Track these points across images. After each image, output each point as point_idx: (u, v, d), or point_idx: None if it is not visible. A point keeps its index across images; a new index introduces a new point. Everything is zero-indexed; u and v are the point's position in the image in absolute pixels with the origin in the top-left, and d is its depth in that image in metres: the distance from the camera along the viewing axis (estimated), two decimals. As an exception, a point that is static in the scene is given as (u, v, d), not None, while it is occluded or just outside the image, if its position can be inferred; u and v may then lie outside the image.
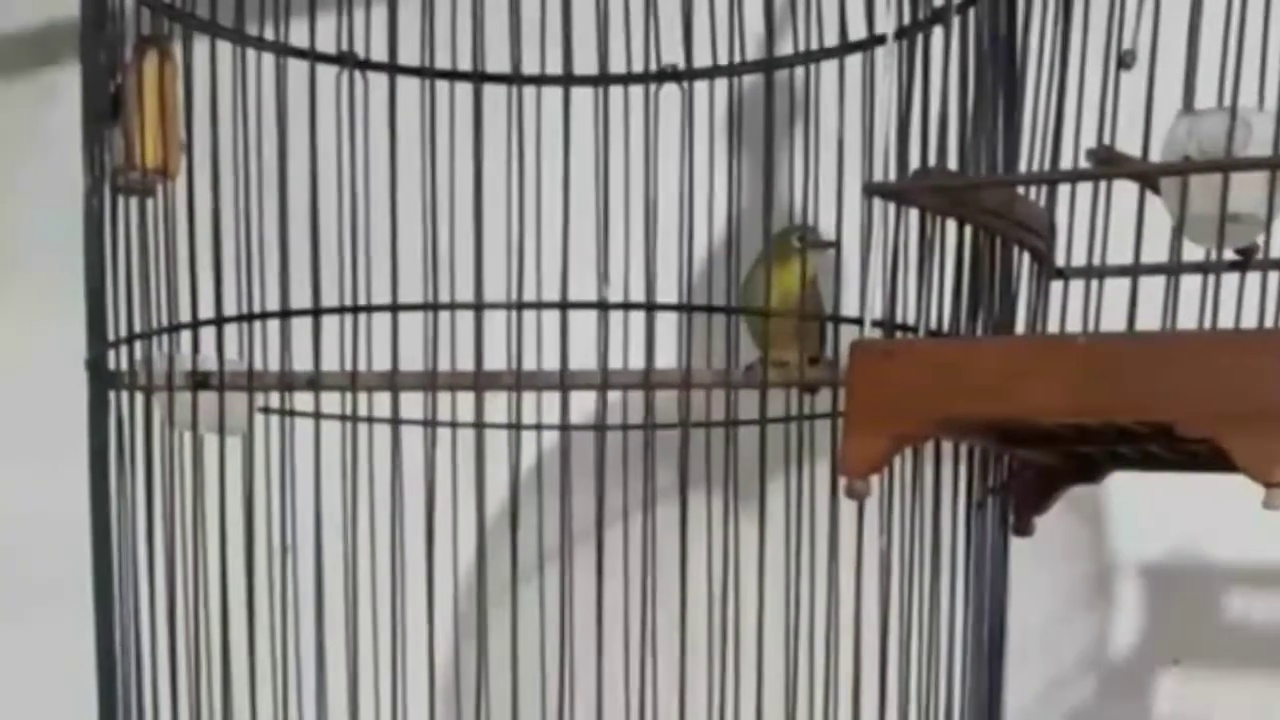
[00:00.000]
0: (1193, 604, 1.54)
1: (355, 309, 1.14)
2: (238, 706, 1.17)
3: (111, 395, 1.21)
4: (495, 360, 1.17)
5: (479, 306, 1.11)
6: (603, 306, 1.13)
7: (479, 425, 1.12)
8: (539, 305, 1.15)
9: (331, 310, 1.14)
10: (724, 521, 1.20)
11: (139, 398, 1.19)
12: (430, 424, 1.16)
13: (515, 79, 1.21)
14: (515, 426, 1.14)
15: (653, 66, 1.27)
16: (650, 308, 1.14)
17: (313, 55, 1.21)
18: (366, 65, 1.24)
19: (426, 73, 1.21)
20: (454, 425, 1.23)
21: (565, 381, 1.12)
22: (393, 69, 1.21)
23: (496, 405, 1.17)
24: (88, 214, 1.21)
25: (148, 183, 1.17)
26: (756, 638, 1.17)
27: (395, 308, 1.13)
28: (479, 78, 1.16)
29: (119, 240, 1.19)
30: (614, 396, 1.25)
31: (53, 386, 1.35)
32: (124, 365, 1.19)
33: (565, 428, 1.13)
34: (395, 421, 1.16)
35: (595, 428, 1.16)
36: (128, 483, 1.20)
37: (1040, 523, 1.25)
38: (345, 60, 1.20)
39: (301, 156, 1.14)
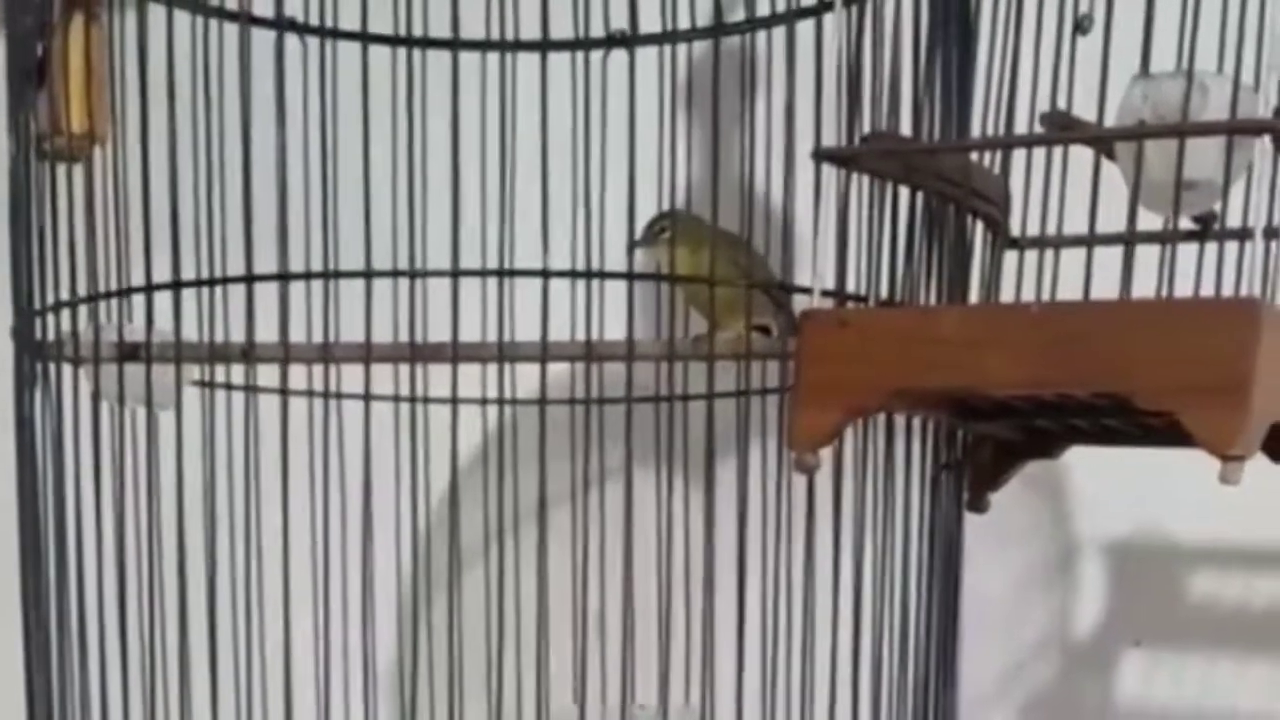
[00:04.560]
0: (1155, 584, 1.52)
1: (287, 276, 1.10)
2: (162, 686, 1.14)
3: (39, 367, 1.17)
4: (440, 333, 1.13)
5: (414, 274, 1.08)
6: (544, 274, 1.10)
7: (414, 399, 1.09)
8: (481, 273, 1.12)
9: (266, 278, 1.11)
10: (669, 498, 1.17)
11: (66, 369, 1.16)
12: (367, 398, 1.13)
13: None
14: (454, 401, 1.11)
15: (599, 33, 1.24)
16: (591, 275, 1.11)
17: (275, 22, 1.18)
18: (337, 34, 1.21)
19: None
20: (395, 399, 1.20)
21: (504, 353, 1.09)
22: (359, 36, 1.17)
23: (441, 379, 1.15)
24: (11, 180, 1.18)
25: (74, 148, 1.13)
26: (701, 621, 1.14)
27: (328, 275, 1.10)
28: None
29: (44, 207, 1.15)
30: (565, 369, 1.22)
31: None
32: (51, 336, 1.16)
33: (503, 401, 1.10)
34: (328, 395, 1.12)
35: (537, 402, 1.13)
36: (44, 455, 1.17)
37: (1000, 500, 1.23)
38: (280, 25, 1.16)
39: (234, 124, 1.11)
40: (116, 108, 1.14)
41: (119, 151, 1.14)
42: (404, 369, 1.15)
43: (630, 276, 1.16)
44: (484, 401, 1.21)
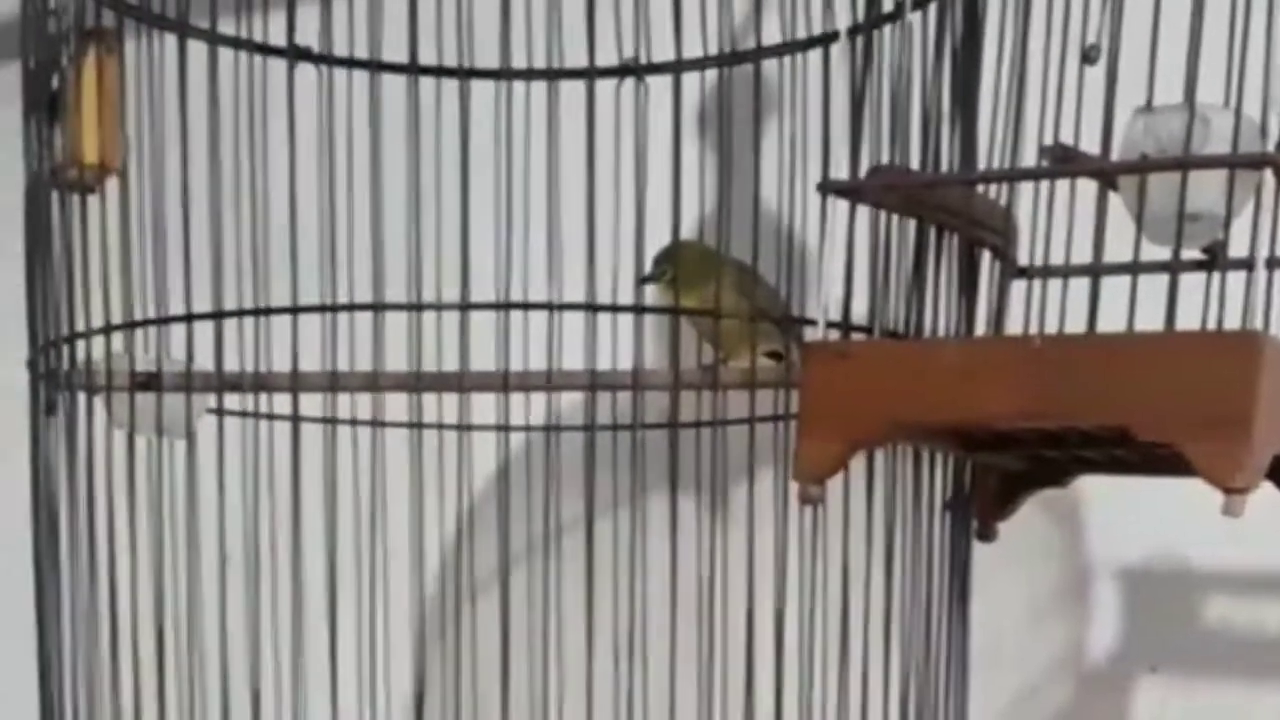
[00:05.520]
0: (1171, 609, 1.52)
1: (297, 309, 1.12)
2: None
3: (55, 396, 1.19)
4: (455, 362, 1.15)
5: (422, 307, 1.10)
6: (551, 308, 1.11)
7: (418, 425, 1.10)
8: (491, 306, 1.13)
9: (278, 310, 1.12)
10: (698, 525, 1.18)
11: (80, 398, 1.17)
12: (375, 424, 1.14)
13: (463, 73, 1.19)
14: (461, 428, 1.12)
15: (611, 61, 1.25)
16: (599, 309, 1.12)
17: (266, 48, 1.19)
18: (351, 63, 1.22)
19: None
20: (409, 426, 1.21)
21: (508, 383, 1.10)
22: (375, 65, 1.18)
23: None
24: (27, 211, 1.20)
25: (87, 179, 1.15)
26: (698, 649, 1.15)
27: (337, 308, 1.11)
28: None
29: (61, 238, 1.17)
30: (578, 399, 1.23)
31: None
32: (65, 366, 1.18)
33: (506, 428, 1.11)
34: (334, 421, 1.14)
35: (545, 428, 1.14)
36: (59, 484, 1.18)
37: (1014, 525, 1.23)
38: (291, 54, 1.17)
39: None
40: (135, 138, 1.16)
41: (138, 183, 1.15)
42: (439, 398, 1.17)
43: (637, 310, 1.16)
44: (496, 429, 1.22)
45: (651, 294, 1.28)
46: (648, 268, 1.24)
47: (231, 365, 1.14)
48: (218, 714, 1.14)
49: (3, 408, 1.30)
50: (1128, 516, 1.49)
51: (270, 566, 1.16)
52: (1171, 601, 1.51)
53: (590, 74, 1.19)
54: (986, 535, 1.21)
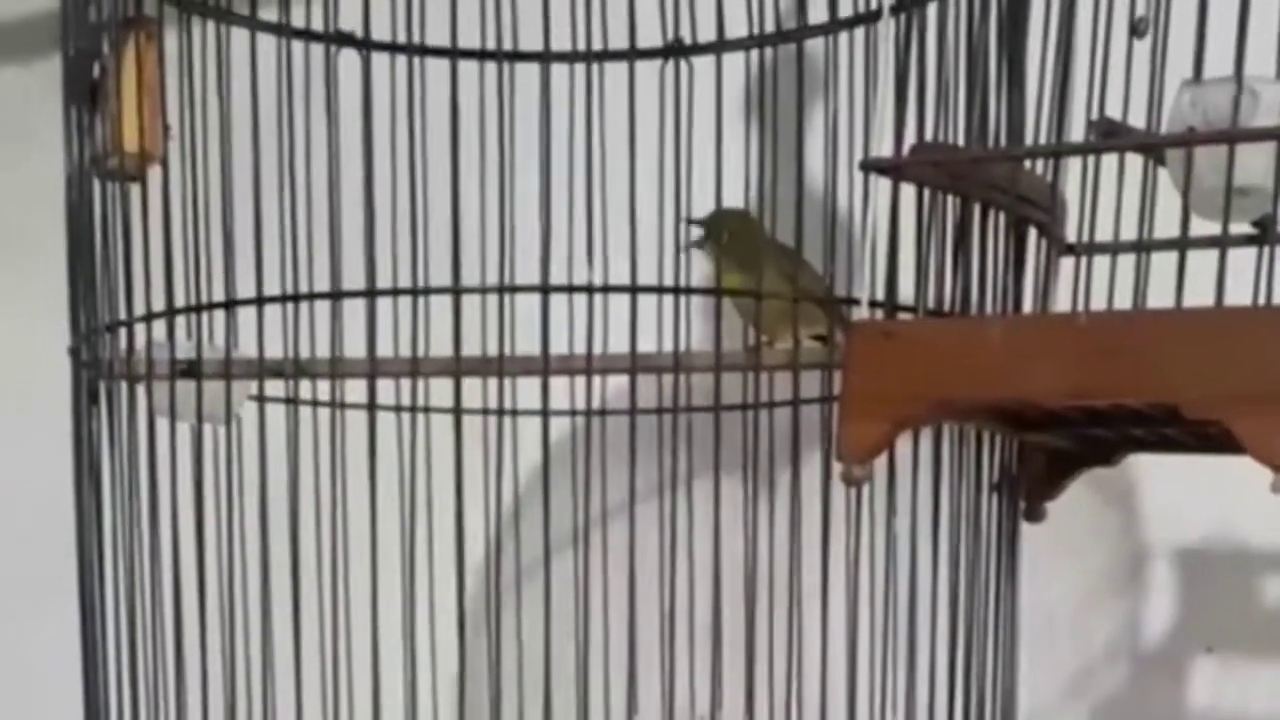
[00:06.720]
0: (1226, 589, 1.50)
1: (374, 293, 1.12)
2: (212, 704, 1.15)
3: (98, 385, 1.19)
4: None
5: (460, 290, 1.09)
6: (589, 290, 1.10)
7: (457, 410, 1.09)
8: (525, 289, 1.13)
9: (351, 293, 1.13)
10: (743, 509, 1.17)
11: (122, 386, 1.17)
12: (414, 410, 1.14)
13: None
14: (500, 412, 1.12)
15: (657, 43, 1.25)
16: (639, 290, 1.11)
17: (307, 34, 1.19)
18: (393, 48, 1.22)
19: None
20: (484, 413, 1.20)
21: (549, 367, 1.10)
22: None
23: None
24: (68, 200, 1.20)
25: (128, 167, 1.15)
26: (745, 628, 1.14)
27: (375, 293, 1.11)
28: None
29: (103, 227, 1.17)
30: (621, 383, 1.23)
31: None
32: (107, 354, 1.18)
33: (548, 413, 1.10)
34: (375, 407, 1.13)
35: (584, 413, 1.14)
36: (96, 469, 1.18)
37: (1067, 506, 1.22)
38: (328, 38, 1.17)
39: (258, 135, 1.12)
40: (181, 125, 1.16)
41: (179, 170, 1.15)
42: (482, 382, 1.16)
43: (680, 291, 1.16)
44: (539, 413, 1.22)
45: (696, 268, 1.27)
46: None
47: (273, 352, 1.14)
48: (259, 698, 1.15)
49: (47, 394, 1.30)
50: (1182, 496, 1.48)
51: (314, 554, 1.16)
52: (1227, 581, 1.50)
53: (632, 55, 1.18)
54: (1034, 515, 1.20)
